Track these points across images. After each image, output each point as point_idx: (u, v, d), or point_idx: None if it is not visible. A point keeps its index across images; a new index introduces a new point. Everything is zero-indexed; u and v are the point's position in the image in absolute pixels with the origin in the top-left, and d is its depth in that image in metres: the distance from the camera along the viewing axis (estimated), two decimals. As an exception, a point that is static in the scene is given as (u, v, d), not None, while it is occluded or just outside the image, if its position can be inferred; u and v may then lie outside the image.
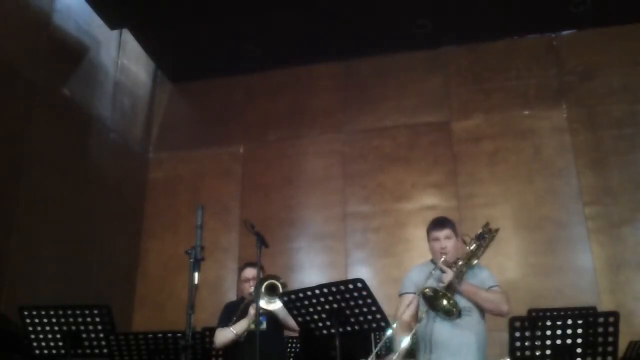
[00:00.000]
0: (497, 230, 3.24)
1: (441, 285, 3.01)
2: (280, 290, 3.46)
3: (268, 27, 6.30)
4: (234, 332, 3.45)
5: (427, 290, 2.96)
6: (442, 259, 3.09)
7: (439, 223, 3.30)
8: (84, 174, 5.65)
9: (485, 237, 3.20)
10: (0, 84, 4.61)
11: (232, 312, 3.64)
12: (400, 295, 3.27)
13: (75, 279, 5.29)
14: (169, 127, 7.18)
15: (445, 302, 2.93)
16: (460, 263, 3.11)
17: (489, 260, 5.55)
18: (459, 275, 3.05)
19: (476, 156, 6.22)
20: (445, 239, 3.21)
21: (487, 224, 3.27)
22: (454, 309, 2.91)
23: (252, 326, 3.49)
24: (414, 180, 6.28)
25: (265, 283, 3.50)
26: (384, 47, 6.63)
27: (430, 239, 3.30)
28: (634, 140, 5.84)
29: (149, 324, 5.86)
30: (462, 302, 3.07)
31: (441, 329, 2.99)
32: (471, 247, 3.18)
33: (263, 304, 3.47)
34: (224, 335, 3.56)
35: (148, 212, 6.77)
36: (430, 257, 3.36)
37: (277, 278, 3.52)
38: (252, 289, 3.60)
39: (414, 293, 3.19)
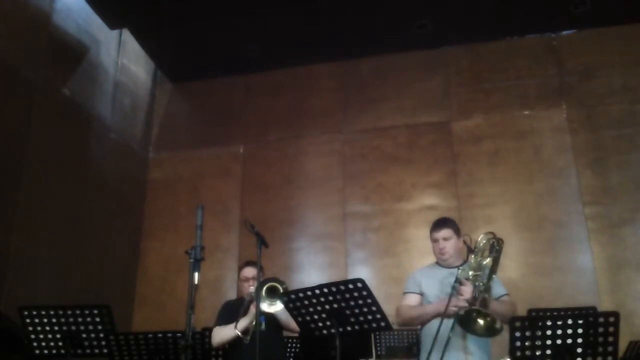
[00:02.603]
0: (502, 241, 3.10)
1: (462, 298, 2.93)
2: (281, 291, 3.43)
3: (268, 27, 6.30)
4: (237, 330, 3.41)
5: (460, 311, 2.82)
6: (460, 272, 3.01)
7: (437, 224, 3.31)
8: (84, 174, 5.65)
9: (497, 248, 3.07)
10: (0, 84, 4.61)
11: (231, 312, 3.63)
12: (403, 294, 3.28)
13: (75, 279, 5.29)
14: (169, 127, 7.18)
15: (481, 321, 2.81)
16: (478, 274, 2.98)
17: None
18: (487, 290, 2.92)
19: (476, 156, 6.22)
20: (443, 240, 3.21)
21: (492, 234, 3.11)
22: (495, 326, 2.76)
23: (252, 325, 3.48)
24: (414, 180, 6.28)
25: (266, 286, 3.47)
26: (384, 47, 6.63)
27: (431, 239, 3.32)
28: (634, 140, 5.84)
29: (149, 324, 5.87)
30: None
31: (446, 328, 2.98)
32: (485, 262, 3.02)
33: (265, 307, 3.44)
34: (222, 334, 3.54)
35: (148, 212, 6.77)
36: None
37: (278, 281, 3.49)
38: (251, 289, 3.58)
39: (419, 293, 3.21)
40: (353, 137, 6.63)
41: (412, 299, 3.22)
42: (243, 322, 3.47)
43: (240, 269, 3.90)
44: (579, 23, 6.25)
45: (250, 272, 3.74)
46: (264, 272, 3.74)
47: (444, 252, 3.20)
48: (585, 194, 5.80)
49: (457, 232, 3.28)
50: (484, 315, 2.81)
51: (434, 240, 3.27)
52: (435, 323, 3.03)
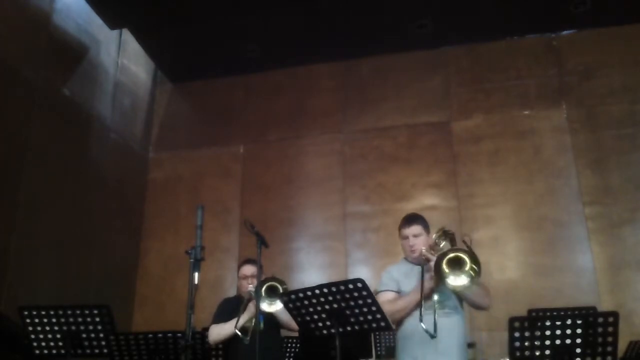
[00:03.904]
0: (453, 231, 3.15)
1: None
2: (281, 291, 3.41)
3: (268, 27, 6.30)
4: (237, 330, 3.40)
5: (450, 253, 2.88)
6: (424, 250, 3.04)
7: (407, 220, 3.26)
8: (84, 174, 5.65)
9: (450, 233, 3.10)
10: (0, 84, 4.62)
11: (229, 309, 3.62)
12: (380, 292, 3.20)
13: (75, 279, 5.29)
14: (169, 127, 7.18)
15: (468, 266, 2.86)
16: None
17: (488, 259, 5.60)
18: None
19: (476, 156, 6.22)
20: (413, 236, 3.18)
21: (442, 228, 3.17)
22: (474, 271, 2.84)
23: (251, 323, 3.47)
24: (414, 180, 6.28)
25: (266, 285, 3.46)
26: (384, 47, 6.63)
27: (400, 236, 3.27)
28: (634, 140, 5.84)
29: (149, 324, 5.87)
30: (448, 300, 3.08)
31: (427, 327, 2.98)
32: (442, 245, 3.08)
33: (264, 306, 3.44)
34: (220, 331, 3.52)
35: (148, 212, 6.78)
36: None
37: (278, 280, 3.48)
38: (250, 287, 3.58)
39: (396, 291, 3.18)
40: (353, 137, 6.63)
41: (390, 297, 3.16)
42: (242, 320, 3.46)
43: (239, 266, 3.90)
44: (579, 23, 6.25)
45: (249, 269, 3.74)
46: (264, 271, 3.74)
47: (414, 249, 3.16)
48: (585, 194, 5.80)
49: (427, 228, 3.24)
50: (471, 257, 2.86)
51: (404, 237, 3.22)
52: (410, 323, 3.03)
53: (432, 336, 2.83)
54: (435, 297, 2.96)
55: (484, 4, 5.96)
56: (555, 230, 5.75)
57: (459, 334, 3.06)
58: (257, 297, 3.27)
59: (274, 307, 3.46)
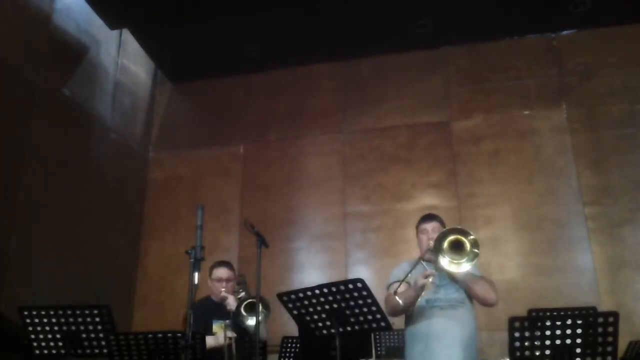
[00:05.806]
0: None
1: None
2: (261, 309, 3.51)
3: (268, 27, 6.30)
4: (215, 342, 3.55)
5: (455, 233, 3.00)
6: (431, 243, 3.12)
7: (427, 217, 3.38)
8: (84, 174, 5.65)
9: None
10: (0, 84, 4.61)
11: (198, 316, 3.66)
12: (391, 284, 3.24)
13: (75, 279, 5.29)
14: (169, 127, 7.18)
15: (468, 247, 2.96)
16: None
17: (489, 259, 5.59)
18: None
19: (476, 156, 6.22)
20: (433, 231, 3.25)
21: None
22: (474, 250, 2.93)
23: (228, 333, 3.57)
24: (414, 180, 6.28)
25: (245, 304, 3.64)
26: (384, 47, 6.63)
27: (418, 232, 3.36)
28: (634, 140, 5.84)
29: (149, 323, 5.87)
30: (455, 294, 3.13)
31: (435, 320, 3.01)
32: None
33: (246, 321, 3.61)
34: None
35: (148, 212, 6.77)
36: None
37: (262, 299, 3.55)
38: (223, 290, 3.73)
39: (407, 281, 3.18)
40: (353, 137, 6.63)
41: (400, 287, 3.18)
42: (210, 340, 3.53)
43: (211, 268, 3.94)
44: (579, 23, 6.25)
45: (224, 272, 3.86)
46: (235, 271, 3.95)
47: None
48: (585, 194, 5.79)
49: (444, 227, 3.33)
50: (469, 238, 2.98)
51: (423, 232, 3.30)
52: (420, 322, 3.09)
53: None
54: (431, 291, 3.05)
55: (484, 4, 5.96)
56: (555, 230, 5.75)
57: (466, 327, 3.08)
58: (257, 306, 3.29)
59: (251, 321, 3.61)
